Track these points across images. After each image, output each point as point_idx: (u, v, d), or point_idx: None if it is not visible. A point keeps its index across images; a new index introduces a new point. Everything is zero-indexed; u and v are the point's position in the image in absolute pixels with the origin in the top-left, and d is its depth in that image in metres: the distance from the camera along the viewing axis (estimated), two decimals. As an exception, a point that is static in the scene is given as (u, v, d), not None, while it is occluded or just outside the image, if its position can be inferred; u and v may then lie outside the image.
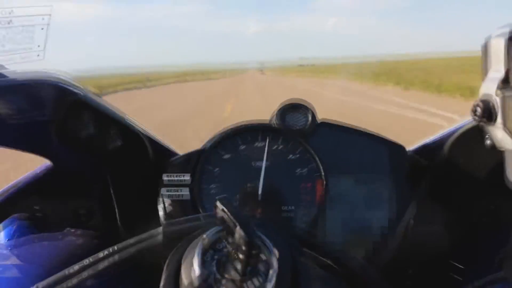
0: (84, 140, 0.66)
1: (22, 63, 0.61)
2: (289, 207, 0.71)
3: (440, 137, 0.75)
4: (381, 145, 0.73)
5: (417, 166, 0.75)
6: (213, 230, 0.36)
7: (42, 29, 0.62)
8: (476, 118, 0.57)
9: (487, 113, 0.54)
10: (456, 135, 0.69)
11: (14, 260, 0.56)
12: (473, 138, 0.63)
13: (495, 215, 0.73)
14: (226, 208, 0.34)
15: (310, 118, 0.73)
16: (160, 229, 0.40)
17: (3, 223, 0.69)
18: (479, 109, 0.55)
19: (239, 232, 0.32)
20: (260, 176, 0.70)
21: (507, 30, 0.50)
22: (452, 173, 0.71)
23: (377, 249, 0.68)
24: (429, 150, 0.76)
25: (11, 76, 0.62)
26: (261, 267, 0.33)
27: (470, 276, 0.58)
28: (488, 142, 0.56)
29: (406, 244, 0.69)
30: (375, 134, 0.75)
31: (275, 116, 0.74)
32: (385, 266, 0.68)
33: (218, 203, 0.35)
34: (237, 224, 0.32)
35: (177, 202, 0.69)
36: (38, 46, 0.61)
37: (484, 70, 0.56)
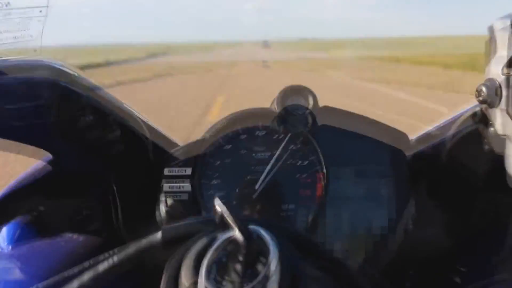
0: (87, 140, 0.67)
1: (15, 44, 0.61)
2: (289, 204, 0.70)
3: (439, 140, 0.73)
4: (382, 144, 0.72)
5: (417, 166, 0.74)
6: (212, 233, 0.36)
7: (39, 21, 0.62)
8: (480, 100, 0.56)
9: (491, 96, 0.54)
10: (455, 137, 0.68)
11: (15, 266, 0.56)
12: (472, 141, 0.63)
13: (495, 216, 0.73)
14: (225, 209, 0.34)
15: (312, 103, 0.72)
16: (160, 233, 0.40)
17: (6, 227, 0.69)
18: (483, 92, 0.55)
19: (237, 234, 0.32)
20: (261, 169, 0.69)
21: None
22: (451, 175, 0.70)
23: (376, 249, 0.67)
24: (429, 151, 0.75)
25: (11, 74, 0.62)
26: (261, 269, 0.33)
27: (470, 278, 0.58)
28: (491, 129, 0.56)
29: (406, 246, 0.69)
30: (375, 133, 0.73)
31: (275, 102, 0.72)
32: (385, 267, 0.67)
33: (217, 205, 0.35)
34: (235, 226, 0.33)
35: (178, 198, 0.69)
36: (31, 35, 0.60)
37: (490, 53, 0.55)
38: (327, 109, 0.74)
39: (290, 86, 0.73)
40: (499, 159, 0.54)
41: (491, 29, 0.54)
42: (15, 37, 0.59)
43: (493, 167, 0.62)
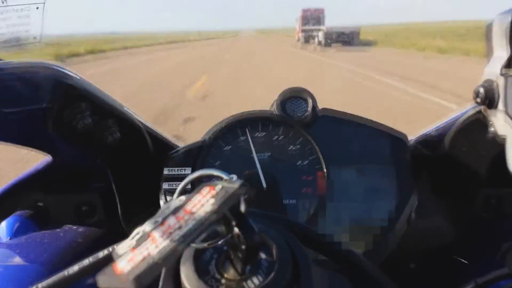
0: (82, 131, 0.65)
1: (17, 46, 0.61)
2: (290, 199, 0.70)
3: (442, 126, 0.74)
4: (383, 136, 0.72)
5: (419, 156, 0.74)
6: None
7: (37, 8, 0.61)
8: (478, 102, 0.56)
9: (489, 97, 0.53)
10: (458, 125, 0.67)
11: (16, 259, 0.56)
12: (475, 129, 0.62)
13: (497, 207, 0.73)
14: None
15: (310, 107, 0.72)
16: None
17: (6, 220, 0.69)
18: (481, 93, 0.54)
19: (236, 229, 0.31)
20: (261, 166, 0.70)
21: (510, 12, 0.49)
22: (454, 164, 0.70)
23: (378, 241, 0.67)
24: (431, 140, 0.75)
25: (4, 63, 0.62)
26: (261, 265, 0.32)
27: (473, 271, 0.58)
28: (491, 129, 0.55)
29: (408, 238, 0.69)
30: (376, 125, 0.73)
31: (275, 106, 0.73)
32: (387, 260, 0.68)
33: None
34: (234, 221, 0.32)
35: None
36: (34, 38, 0.60)
37: (488, 53, 0.55)
38: (326, 110, 0.74)
39: (289, 88, 0.74)
40: (501, 152, 0.54)
41: (488, 28, 0.53)
42: (17, 39, 0.58)
43: (496, 157, 0.62)
